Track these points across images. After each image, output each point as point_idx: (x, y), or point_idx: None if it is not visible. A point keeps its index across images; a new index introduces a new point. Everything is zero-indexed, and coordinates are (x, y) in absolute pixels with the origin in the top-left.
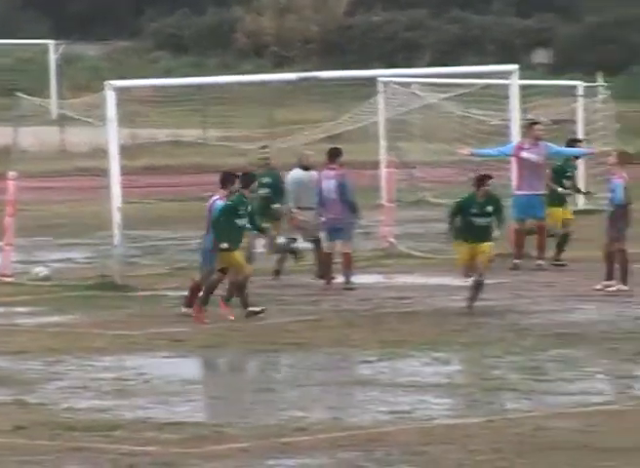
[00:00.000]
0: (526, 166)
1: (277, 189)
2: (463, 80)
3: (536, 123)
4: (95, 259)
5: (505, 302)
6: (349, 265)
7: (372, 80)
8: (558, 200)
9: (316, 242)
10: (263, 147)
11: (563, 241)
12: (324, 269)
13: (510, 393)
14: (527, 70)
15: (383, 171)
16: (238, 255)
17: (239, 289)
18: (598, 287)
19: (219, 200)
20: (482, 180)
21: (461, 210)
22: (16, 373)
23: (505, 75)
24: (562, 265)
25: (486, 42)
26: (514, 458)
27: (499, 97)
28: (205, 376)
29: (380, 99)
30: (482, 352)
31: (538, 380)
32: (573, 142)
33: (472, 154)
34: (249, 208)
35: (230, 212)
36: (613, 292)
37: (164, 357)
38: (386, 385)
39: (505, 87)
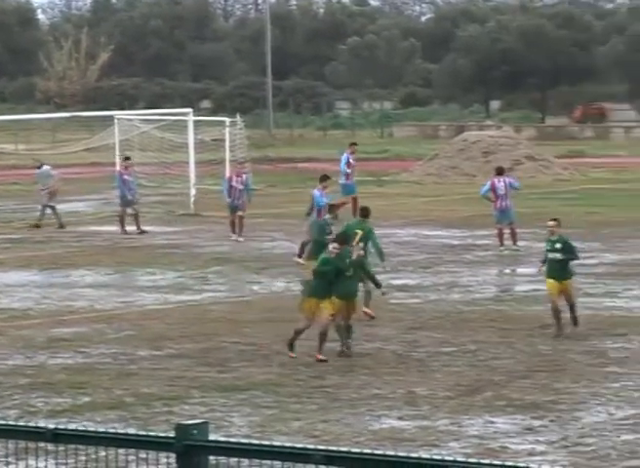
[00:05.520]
0: None
1: None
2: (163, 117)
3: None
4: None
5: (186, 242)
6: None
7: (111, 117)
8: None
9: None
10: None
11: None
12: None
13: (188, 291)
14: (197, 111)
15: (117, 168)
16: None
17: None
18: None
19: None
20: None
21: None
22: None
23: (186, 114)
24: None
25: (176, 97)
26: (195, 327)
27: (182, 126)
28: (22, 282)
29: (116, 128)
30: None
31: (205, 283)
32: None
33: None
34: None
35: None
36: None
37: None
38: (119, 286)
39: (185, 121)
